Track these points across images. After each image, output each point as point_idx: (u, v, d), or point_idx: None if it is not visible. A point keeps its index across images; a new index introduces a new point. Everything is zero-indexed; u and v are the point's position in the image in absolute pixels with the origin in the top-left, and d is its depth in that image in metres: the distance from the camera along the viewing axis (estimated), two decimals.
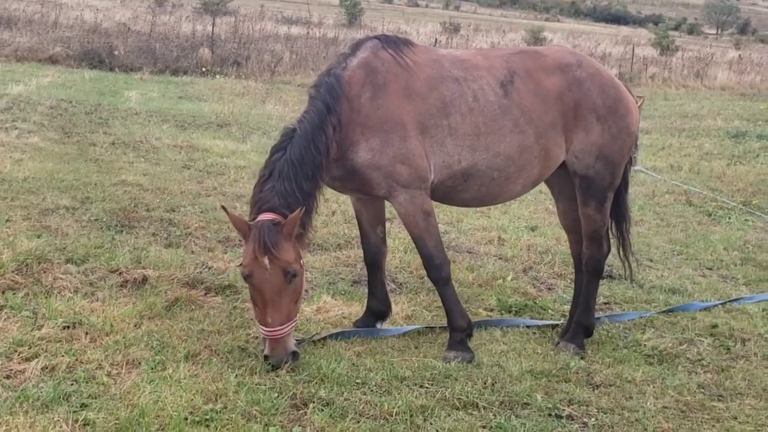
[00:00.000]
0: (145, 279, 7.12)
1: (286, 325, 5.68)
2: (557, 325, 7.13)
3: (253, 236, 5.62)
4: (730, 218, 11.79)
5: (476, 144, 6.28)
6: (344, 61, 6.22)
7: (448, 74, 6.34)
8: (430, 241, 6.25)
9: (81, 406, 5.00)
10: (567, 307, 7.58)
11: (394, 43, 6.36)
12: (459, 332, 6.31)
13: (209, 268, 7.67)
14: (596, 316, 7.10)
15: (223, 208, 5.81)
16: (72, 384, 5.27)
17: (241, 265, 5.78)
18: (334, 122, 5.96)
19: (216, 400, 5.22)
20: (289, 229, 5.67)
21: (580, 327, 6.78)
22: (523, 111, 6.41)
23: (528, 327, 7.06)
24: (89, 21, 31.42)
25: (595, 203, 6.75)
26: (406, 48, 6.34)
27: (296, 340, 6.04)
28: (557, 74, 6.59)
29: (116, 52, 26.68)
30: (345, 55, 6.33)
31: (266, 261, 5.57)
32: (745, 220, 11.78)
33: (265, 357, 5.72)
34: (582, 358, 6.47)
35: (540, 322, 7.16)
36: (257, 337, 6.10)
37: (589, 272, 6.92)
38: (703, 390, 6.06)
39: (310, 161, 5.87)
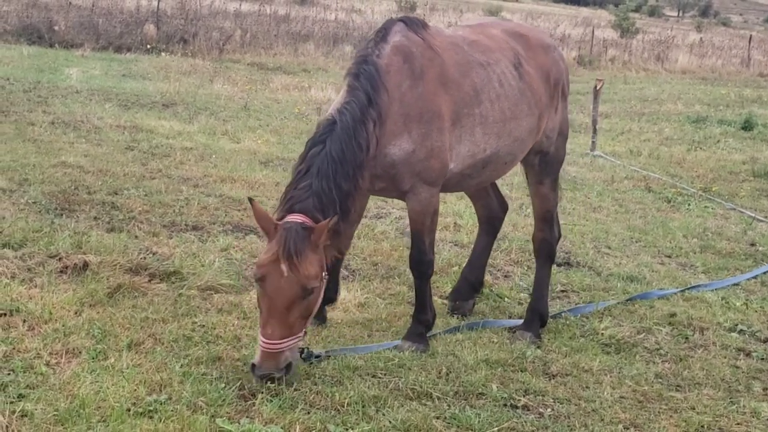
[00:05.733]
0: (86, 265, 7.04)
1: (285, 340, 5.30)
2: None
3: (278, 238, 5.27)
4: (689, 205, 11.94)
5: (502, 131, 6.34)
6: (376, 48, 5.96)
7: (473, 59, 6.33)
8: (428, 238, 6.22)
9: (18, 397, 4.95)
10: (524, 295, 7.65)
11: (418, 25, 6.22)
12: (422, 325, 6.34)
13: (153, 254, 7.60)
14: (558, 312, 7.23)
15: (250, 200, 5.44)
16: (9, 374, 5.20)
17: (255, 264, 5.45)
18: (374, 116, 5.68)
19: (160, 390, 5.18)
20: (317, 238, 5.31)
21: (535, 315, 6.86)
22: (533, 93, 6.59)
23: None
24: None
25: (550, 181, 7.03)
26: (426, 31, 6.22)
27: (316, 355, 5.85)
28: (542, 54, 6.87)
29: (56, 28, 26.28)
30: (375, 40, 6.06)
31: (285, 268, 5.23)
32: (705, 206, 11.94)
33: (252, 366, 5.36)
34: (538, 347, 6.53)
35: (512, 323, 7.03)
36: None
37: (542, 257, 7.06)
38: (660, 380, 6.14)
39: (351, 158, 5.54)
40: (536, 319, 6.84)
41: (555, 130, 6.95)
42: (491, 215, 7.43)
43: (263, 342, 5.29)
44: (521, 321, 6.95)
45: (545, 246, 7.04)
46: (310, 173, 5.48)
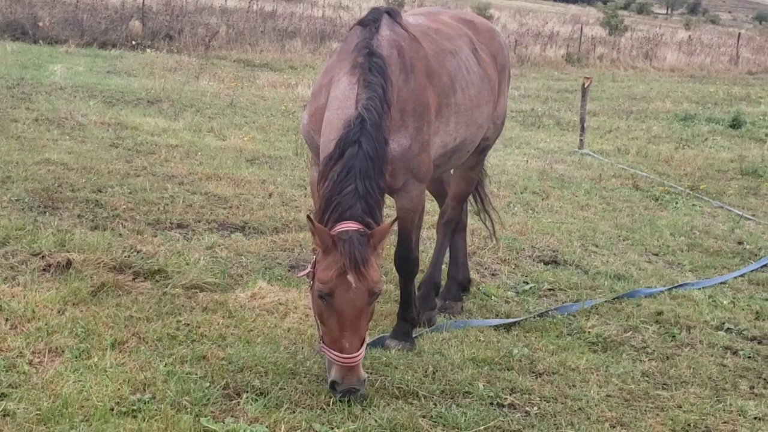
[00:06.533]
0: (69, 263, 7.02)
1: (362, 350, 5.22)
2: (524, 319, 7.08)
3: (341, 250, 5.07)
4: (677, 203, 11.97)
5: (470, 119, 6.38)
6: (374, 40, 5.77)
7: (443, 47, 6.33)
8: (414, 236, 6.20)
9: (0, 396, 4.93)
10: (510, 293, 7.67)
11: (399, 16, 6.15)
12: (408, 323, 6.33)
13: (138, 252, 7.59)
14: (545, 310, 7.24)
15: (309, 218, 5.17)
16: None
17: (312, 279, 5.28)
18: (387, 110, 5.58)
19: (144, 389, 5.18)
20: (376, 242, 5.19)
21: (430, 286, 7.05)
22: (489, 79, 6.66)
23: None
24: None
25: (481, 165, 7.24)
26: (403, 21, 6.17)
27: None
28: (489, 39, 6.99)
29: (40, 24, 26.16)
30: (370, 31, 5.85)
31: (354, 279, 5.08)
32: (693, 205, 11.98)
33: (332, 384, 5.24)
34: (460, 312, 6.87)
35: (506, 321, 7.02)
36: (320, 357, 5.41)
37: (448, 233, 7.28)
38: (647, 378, 6.16)
39: (382, 155, 5.41)
40: (432, 290, 7.01)
41: (500, 117, 7.04)
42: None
43: (343, 357, 5.16)
44: (508, 320, 6.98)
45: (453, 224, 7.22)
46: (352, 175, 5.28)
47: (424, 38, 6.23)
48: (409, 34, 6.07)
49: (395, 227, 6.11)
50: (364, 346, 5.27)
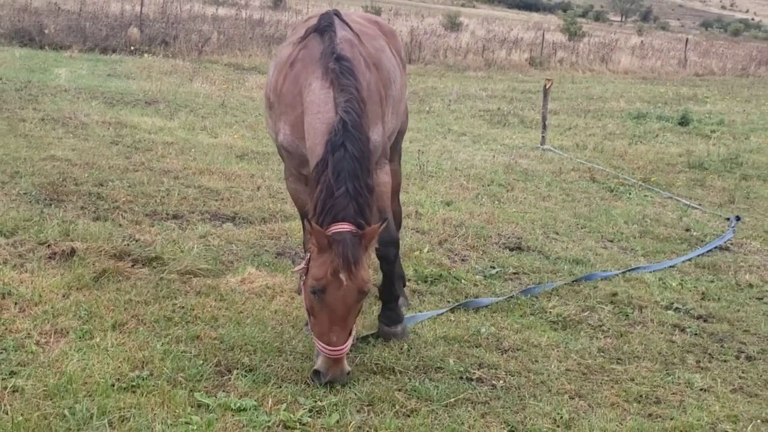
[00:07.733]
0: (73, 251, 6.98)
1: (347, 343, 5.13)
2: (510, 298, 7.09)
3: (336, 251, 4.96)
4: (630, 194, 12.02)
5: (397, 110, 6.34)
6: (334, 43, 5.59)
7: (375, 45, 6.27)
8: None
9: (10, 374, 4.92)
10: (479, 278, 7.68)
11: (342, 16, 6.04)
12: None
13: (136, 241, 7.56)
14: (510, 292, 7.24)
15: (309, 221, 5.05)
16: (1, 353, 5.17)
17: (305, 274, 5.17)
18: (363, 108, 5.45)
19: (142, 367, 5.17)
20: (368, 242, 5.09)
21: (398, 279, 6.82)
22: (401, 74, 6.59)
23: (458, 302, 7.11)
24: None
25: (398, 157, 7.12)
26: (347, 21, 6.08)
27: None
28: (393, 38, 6.93)
29: (46, 31, 25.95)
30: (329, 34, 5.67)
31: (345, 278, 4.98)
32: (645, 195, 12.03)
33: (315, 372, 5.18)
34: (408, 305, 6.68)
35: (492, 300, 7.02)
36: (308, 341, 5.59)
37: (397, 227, 6.98)
38: (603, 354, 6.19)
39: (367, 154, 5.27)
40: (399, 282, 6.80)
41: (404, 111, 6.93)
42: None
43: (329, 350, 5.08)
44: (475, 299, 7.00)
45: (397, 216, 6.97)
46: (342, 178, 5.12)
47: (362, 37, 6.11)
48: (355, 34, 5.96)
49: None
50: (350, 340, 5.20)
